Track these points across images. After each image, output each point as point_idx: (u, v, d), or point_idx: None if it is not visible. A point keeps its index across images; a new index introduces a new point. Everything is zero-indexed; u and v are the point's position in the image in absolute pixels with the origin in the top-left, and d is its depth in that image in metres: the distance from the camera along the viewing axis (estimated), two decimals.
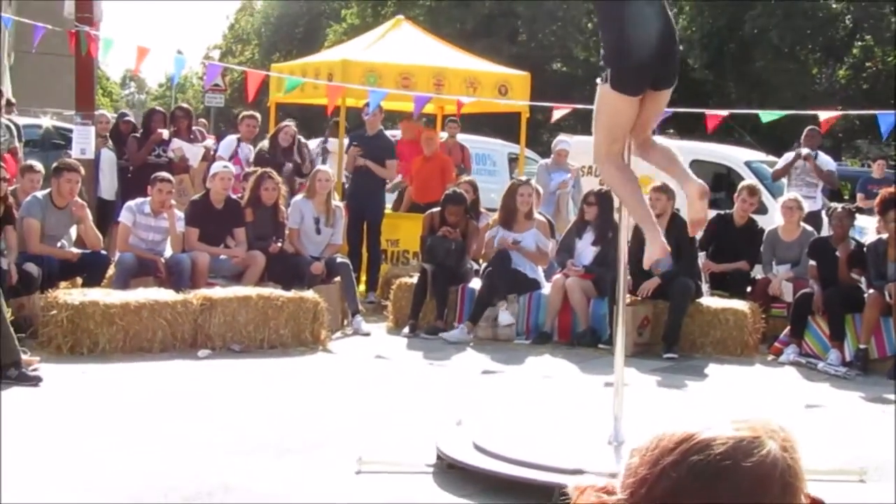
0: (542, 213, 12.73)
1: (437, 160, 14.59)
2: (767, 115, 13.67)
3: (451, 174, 14.51)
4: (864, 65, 34.51)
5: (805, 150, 14.61)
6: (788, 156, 15.01)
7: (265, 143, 14.16)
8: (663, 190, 11.53)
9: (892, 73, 33.42)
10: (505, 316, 11.47)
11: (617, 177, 6.16)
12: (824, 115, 13.52)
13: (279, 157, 13.73)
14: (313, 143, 16.69)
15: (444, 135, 16.45)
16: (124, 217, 11.39)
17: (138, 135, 14.49)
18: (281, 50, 54.18)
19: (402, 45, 15.50)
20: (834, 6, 32.77)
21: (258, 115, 15.35)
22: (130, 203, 11.50)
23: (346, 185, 14.33)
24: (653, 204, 11.63)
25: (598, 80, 6.00)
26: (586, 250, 11.85)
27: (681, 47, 21.88)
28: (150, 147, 14.02)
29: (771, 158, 16.72)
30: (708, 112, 14.47)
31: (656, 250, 6.19)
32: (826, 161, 15.10)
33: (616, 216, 11.84)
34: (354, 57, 14.77)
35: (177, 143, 14.04)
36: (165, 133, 14.15)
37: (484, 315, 11.55)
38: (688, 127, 26.26)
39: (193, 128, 15.34)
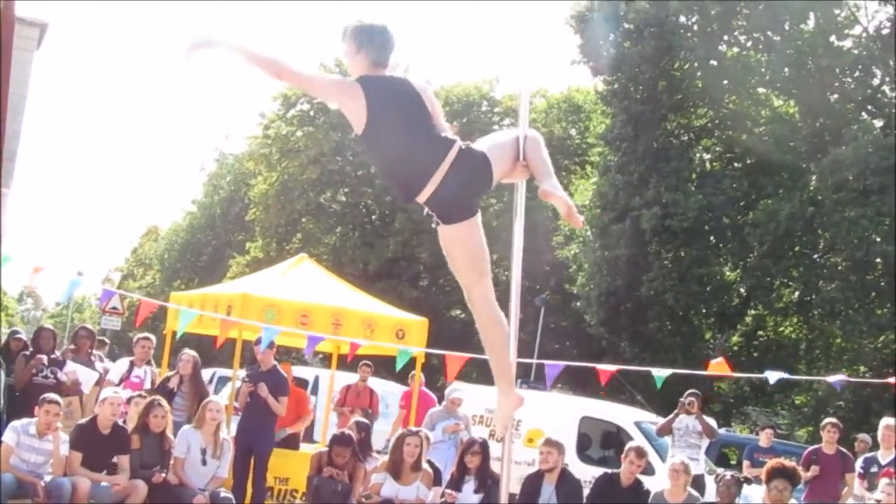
0: (431, 461, 12.72)
1: (291, 394, 14.52)
2: (659, 373, 13.94)
3: (305, 407, 14.73)
4: (755, 333, 35.43)
5: (688, 399, 15.07)
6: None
7: (169, 375, 14.11)
8: (554, 444, 11.64)
9: (783, 343, 34.34)
10: None
11: (490, 317, 5.56)
12: (714, 372, 13.90)
13: (182, 386, 13.72)
14: (207, 373, 16.59)
15: (355, 377, 16.65)
16: (7, 437, 11.13)
17: (28, 353, 14.11)
18: (183, 277, 54.37)
19: (303, 282, 15.64)
20: (728, 275, 33.81)
21: (152, 336, 15.18)
22: (15, 423, 11.27)
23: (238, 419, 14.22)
24: (544, 458, 11.74)
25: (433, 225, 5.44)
26: (469, 499, 11.82)
27: (578, 304, 22.23)
28: (31, 369, 13.58)
29: (660, 419, 16.97)
30: (600, 367, 14.75)
31: (513, 403, 5.64)
32: (707, 420, 15.49)
33: (496, 466, 11.96)
34: (255, 292, 14.84)
35: (71, 366, 13.77)
36: (45, 358, 13.72)
37: None
38: (580, 382, 26.60)
39: (95, 351, 15.13)
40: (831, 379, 14.57)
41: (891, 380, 12.53)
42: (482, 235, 5.46)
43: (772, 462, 11.44)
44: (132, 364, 14.41)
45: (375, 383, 18.37)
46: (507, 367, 5.63)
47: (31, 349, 14.14)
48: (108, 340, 19.58)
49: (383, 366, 27.38)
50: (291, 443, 15.03)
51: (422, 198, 5.28)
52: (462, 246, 5.43)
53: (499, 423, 5.91)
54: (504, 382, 5.64)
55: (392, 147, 5.36)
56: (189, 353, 14.10)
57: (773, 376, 13.01)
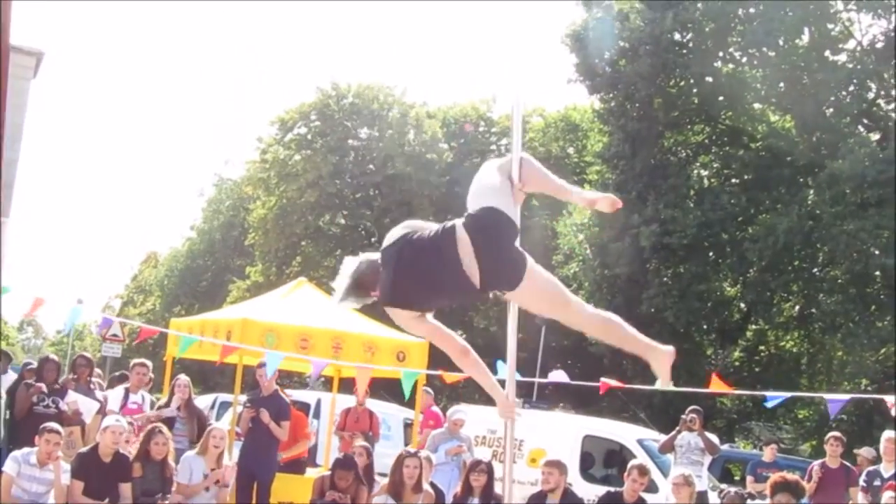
0: (434, 483, 12.69)
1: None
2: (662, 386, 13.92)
3: (303, 430, 14.65)
4: (757, 348, 35.40)
5: (690, 416, 15.05)
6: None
7: (164, 401, 14.06)
8: (555, 465, 11.62)
9: (784, 357, 34.31)
10: None
11: (597, 323, 5.57)
12: (716, 389, 13.91)
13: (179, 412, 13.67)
14: (208, 399, 16.55)
15: (353, 399, 16.63)
16: (8, 467, 11.09)
17: (28, 381, 13.92)
18: (183, 303, 54.31)
19: (303, 306, 15.61)
20: (728, 290, 33.80)
21: (149, 363, 15.10)
22: (16, 453, 11.23)
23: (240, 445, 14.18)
24: (546, 479, 11.71)
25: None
26: None
27: None
28: (31, 397, 13.48)
29: (663, 436, 16.94)
30: (603, 381, 14.76)
31: (667, 356, 5.65)
32: (709, 436, 15.47)
33: (499, 486, 11.93)
34: (255, 317, 14.81)
35: (72, 395, 13.69)
36: (44, 386, 13.63)
37: None
38: (582, 401, 26.54)
39: (93, 379, 15.05)
40: (829, 397, 14.53)
41: (889, 398, 12.51)
42: (542, 271, 5.38)
43: (775, 476, 11.44)
44: (127, 391, 14.36)
45: (375, 405, 18.37)
46: (641, 337, 5.58)
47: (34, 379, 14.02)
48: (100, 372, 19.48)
49: (385, 388, 27.37)
50: (295, 467, 14.99)
51: (479, 285, 5.23)
52: (537, 297, 5.40)
53: (664, 377, 5.74)
54: (648, 347, 5.58)
55: (421, 281, 5.42)
56: (185, 379, 14.09)
57: (771, 398, 13.04)
